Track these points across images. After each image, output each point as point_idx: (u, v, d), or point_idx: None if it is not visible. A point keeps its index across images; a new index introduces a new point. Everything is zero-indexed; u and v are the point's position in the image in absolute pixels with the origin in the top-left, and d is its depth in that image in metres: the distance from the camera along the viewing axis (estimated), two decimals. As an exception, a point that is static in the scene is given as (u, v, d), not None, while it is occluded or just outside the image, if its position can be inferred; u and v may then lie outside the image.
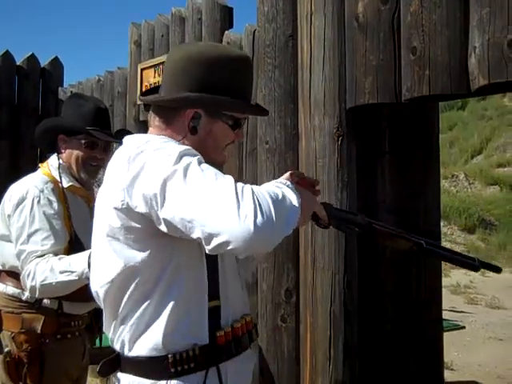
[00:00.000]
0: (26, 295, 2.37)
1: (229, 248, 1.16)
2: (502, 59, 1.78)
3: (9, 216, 2.33)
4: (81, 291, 2.19)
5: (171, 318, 1.34)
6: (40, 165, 2.51)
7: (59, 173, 2.39)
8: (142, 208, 1.28)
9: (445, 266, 8.81)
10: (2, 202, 2.41)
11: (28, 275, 2.20)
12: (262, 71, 2.87)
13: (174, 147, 1.31)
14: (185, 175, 1.22)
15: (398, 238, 1.59)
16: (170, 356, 1.34)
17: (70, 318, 2.41)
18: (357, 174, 2.40)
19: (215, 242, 1.16)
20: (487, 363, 5.64)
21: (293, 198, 1.26)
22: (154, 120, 1.49)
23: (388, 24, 2.17)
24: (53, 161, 2.45)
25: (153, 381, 1.36)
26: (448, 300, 7.35)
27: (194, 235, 1.19)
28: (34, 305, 2.36)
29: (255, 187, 1.22)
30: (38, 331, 2.35)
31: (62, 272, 2.14)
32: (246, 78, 1.50)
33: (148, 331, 1.36)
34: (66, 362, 2.34)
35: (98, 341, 2.58)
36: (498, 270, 1.64)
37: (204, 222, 1.17)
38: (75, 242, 2.29)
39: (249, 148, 3.02)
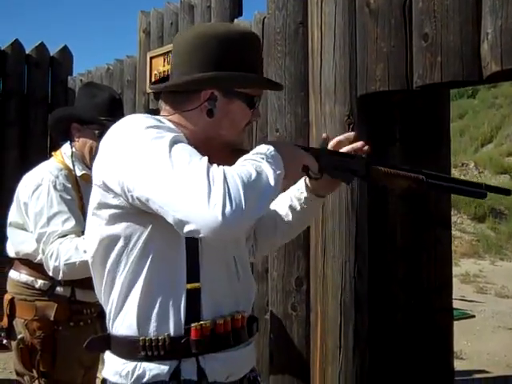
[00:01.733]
0: (39, 283, 2.39)
1: (199, 235, 1.17)
2: (514, 45, 1.76)
3: (25, 204, 2.34)
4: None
5: (145, 299, 1.34)
6: (53, 153, 2.52)
7: (72, 161, 2.40)
8: (116, 187, 1.28)
9: (454, 254, 8.81)
10: (16, 191, 2.43)
11: (51, 256, 2.20)
12: (272, 59, 2.86)
13: (153, 125, 1.29)
14: (159, 157, 1.20)
15: (396, 178, 1.53)
16: (141, 339, 1.34)
17: (82, 306, 2.43)
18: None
19: (186, 228, 1.17)
20: (496, 352, 5.64)
21: (270, 174, 1.24)
22: (164, 106, 1.47)
23: (399, 10, 2.16)
24: (66, 149, 2.46)
25: (125, 360, 1.37)
26: (457, 289, 7.34)
27: (167, 219, 1.20)
28: (47, 292, 2.38)
29: (228, 170, 1.19)
30: (51, 318, 2.37)
31: (86, 251, 2.14)
32: (256, 53, 1.47)
33: (124, 311, 1.37)
34: (78, 350, 2.34)
35: (109, 328, 2.59)
36: (507, 192, 1.60)
37: (175, 209, 1.17)
38: None
39: (259, 136, 3.02)
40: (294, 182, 1.65)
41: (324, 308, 2.45)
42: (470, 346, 5.76)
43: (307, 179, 1.63)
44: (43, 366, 2.35)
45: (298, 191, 1.68)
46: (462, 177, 15.13)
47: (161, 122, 1.35)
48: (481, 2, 1.90)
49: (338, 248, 2.39)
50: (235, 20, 3.42)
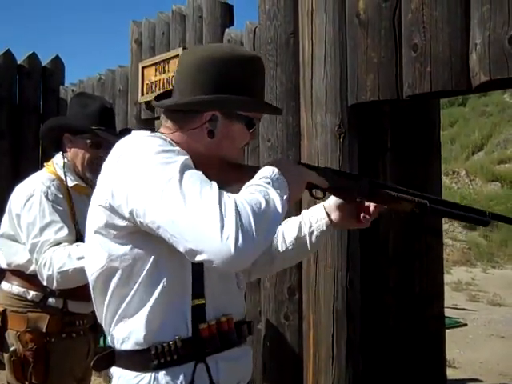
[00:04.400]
0: (31, 294, 2.38)
1: (211, 265, 1.18)
2: (502, 56, 1.78)
3: (17, 215, 2.33)
4: (85, 290, 2.19)
5: (153, 314, 1.35)
6: (45, 164, 2.52)
7: (64, 172, 2.40)
8: (124, 212, 1.28)
9: (446, 262, 8.83)
10: (8, 202, 2.42)
11: (44, 264, 2.19)
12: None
13: (162, 149, 1.29)
14: (169, 184, 1.21)
15: (399, 201, 1.53)
16: (152, 348, 1.35)
17: (74, 317, 2.42)
18: (359, 171, 2.40)
19: (197, 258, 1.18)
20: (489, 360, 5.64)
21: (277, 201, 1.25)
22: (165, 122, 1.48)
23: (389, 21, 2.18)
24: (58, 159, 2.45)
25: (138, 373, 1.36)
26: (450, 297, 7.35)
27: (178, 248, 1.21)
28: (39, 304, 2.37)
29: (239, 199, 1.20)
30: (44, 330, 2.35)
31: (79, 258, 2.11)
32: (259, 78, 1.49)
33: (130, 326, 1.37)
34: (70, 361, 2.35)
35: (101, 340, 2.58)
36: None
37: (187, 239, 1.17)
38: (80, 241, 2.30)
39: (251, 146, 3.03)
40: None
41: (316, 317, 2.45)
42: (462, 355, 5.76)
43: (330, 212, 1.64)
44: (36, 379, 2.33)
45: (315, 222, 1.66)
46: (454, 184, 15.21)
47: (165, 141, 1.35)
48: (469, 13, 1.92)
49: (330, 257, 2.40)
50: (226, 30, 3.44)
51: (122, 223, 1.31)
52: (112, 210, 1.32)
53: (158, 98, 1.56)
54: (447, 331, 2.73)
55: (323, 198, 1.56)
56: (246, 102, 1.43)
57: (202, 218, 1.16)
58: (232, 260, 1.15)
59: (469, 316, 7.47)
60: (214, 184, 1.23)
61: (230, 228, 1.14)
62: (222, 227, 1.14)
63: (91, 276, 1.43)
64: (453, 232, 13.45)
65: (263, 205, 1.21)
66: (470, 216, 1.53)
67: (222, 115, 1.42)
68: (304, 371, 2.55)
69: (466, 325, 6.97)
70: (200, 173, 1.26)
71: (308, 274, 2.52)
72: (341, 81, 2.37)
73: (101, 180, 1.38)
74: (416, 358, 2.49)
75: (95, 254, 1.40)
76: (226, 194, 1.20)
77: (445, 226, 12.07)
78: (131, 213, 1.26)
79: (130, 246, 1.34)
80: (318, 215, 1.67)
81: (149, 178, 1.23)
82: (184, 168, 1.24)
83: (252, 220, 1.17)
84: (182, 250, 1.20)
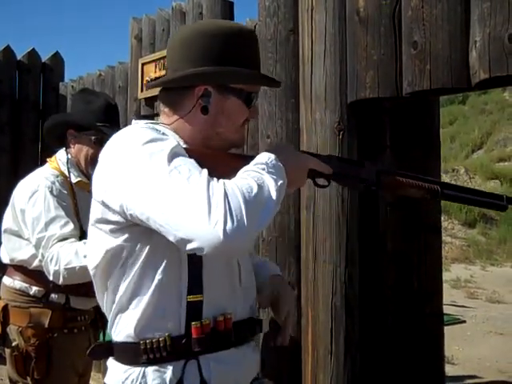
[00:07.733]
0: (33, 290, 2.39)
1: (202, 253, 1.16)
2: (502, 53, 1.78)
3: (21, 210, 2.33)
4: (87, 286, 2.20)
5: (145, 308, 1.33)
6: (48, 159, 2.52)
7: (68, 168, 2.40)
8: (115, 206, 1.28)
9: (445, 259, 8.82)
10: (11, 197, 2.42)
11: (51, 260, 2.19)
12: (263, 66, 2.87)
13: (150, 139, 1.27)
14: (157, 174, 1.19)
15: (408, 188, 1.48)
16: (141, 343, 1.33)
17: (76, 313, 2.43)
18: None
19: (188, 247, 1.16)
20: (488, 357, 5.66)
21: (271, 186, 1.21)
22: (162, 108, 1.46)
23: (389, 18, 2.18)
24: (61, 155, 2.46)
25: (128, 367, 1.36)
26: (448, 294, 7.38)
27: (168, 238, 1.19)
28: (42, 299, 2.38)
29: (228, 184, 1.18)
30: (46, 325, 2.36)
31: (86, 256, 2.13)
32: (252, 50, 1.44)
33: (125, 318, 1.36)
34: (72, 356, 2.36)
35: (101, 335, 2.59)
36: None
37: (176, 228, 1.16)
38: (84, 238, 2.30)
39: (250, 143, 3.03)
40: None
41: (315, 313, 2.46)
42: (461, 351, 5.78)
43: None
44: (37, 374, 2.34)
45: None
46: (453, 183, 15.19)
47: (158, 131, 1.34)
48: (469, 10, 1.92)
49: (328, 253, 2.40)
50: (227, 27, 3.44)
51: (115, 218, 1.31)
52: (105, 204, 1.31)
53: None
54: (446, 328, 2.73)
55: (328, 186, 1.53)
56: (237, 72, 1.38)
57: (189, 206, 1.14)
58: (222, 246, 1.13)
59: (467, 313, 7.50)
60: (204, 170, 1.20)
61: (219, 213, 1.12)
62: (210, 213, 1.12)
63: (91, 270, 1.43)
64: (452, 229, 13.47)
65: (255, 190, 1.19)
66: (485, 201, 1.49)
67: (215, 89, 1.38)
68: (302, 367, 2.56)
69: (464, 322, 7.00)
70: (190, 160, 1.24)
71: (307, 270, 2.53)
72: (340, 78, 2.38)
73: (95, 174, 1.37)
74: (414, 354, 2.49)
75: (94, 248, 1.40)
76: (215, 180, 1.18)
77: (444, 224, 12.08)
78: (121, 207, 1.25)
79: (122, 241, 1.33)
80: None
81: (136, 170, 1.22)
82: (172, 156, 1.22)
83: (242, 204, 1.15)
84: (172, 239, 1.18)
